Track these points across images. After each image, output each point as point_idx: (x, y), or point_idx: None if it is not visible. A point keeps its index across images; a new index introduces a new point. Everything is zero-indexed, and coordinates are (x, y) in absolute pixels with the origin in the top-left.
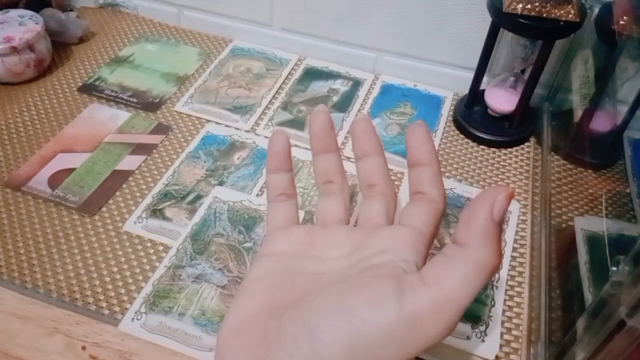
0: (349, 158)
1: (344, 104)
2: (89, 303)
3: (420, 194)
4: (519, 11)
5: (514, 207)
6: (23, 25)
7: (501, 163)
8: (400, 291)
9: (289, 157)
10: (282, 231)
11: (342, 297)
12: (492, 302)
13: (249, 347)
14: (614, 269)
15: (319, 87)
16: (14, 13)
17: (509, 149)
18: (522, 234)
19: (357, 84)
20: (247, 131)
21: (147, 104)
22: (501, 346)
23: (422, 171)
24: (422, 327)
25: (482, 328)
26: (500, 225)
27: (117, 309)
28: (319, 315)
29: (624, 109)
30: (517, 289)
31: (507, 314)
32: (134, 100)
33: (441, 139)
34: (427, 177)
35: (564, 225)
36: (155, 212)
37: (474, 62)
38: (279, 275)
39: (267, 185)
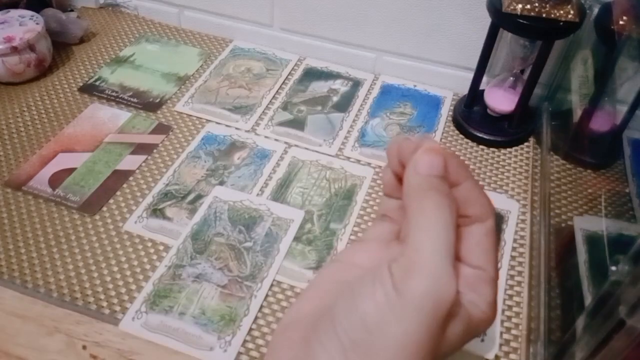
0: (349, 158)
1: (344, 104)
2: (90, 302)
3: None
4: (518, 11)
5: (514, 207)
6: (23, 25)
7: (500, 163)
8: (389, 268)
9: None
10: (362, 243)
11: (354, 284)
12: None
13: (290, 346)
14: (613, 268)
15: (319, 87)
16: (14, 13)
17: (508, 149)
18: (522, 233)
19: (357, 84)
20: (248, 131)
21: (148, 104)
22: (500, 345)
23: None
24: (408, 291)
25: None
26: (428, 175)
27: (117, 308)
28: (338, 304)
29: (623, 109)
30: (516, 288)
31: (507, 313)
32: (135, 100)
33: (441, 139)
34: (466, 194)
35: (563, 225)
36: (156, 211)
37: (474, 62)
38: (339, 285)
39: (380, 203)
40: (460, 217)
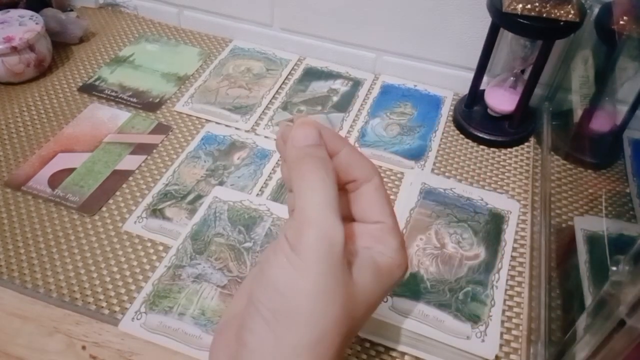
0: None
1: (344, 104)
2: (89, 303)
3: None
4: (518, 11)
5: (514, 207)
6: (23, 25)
7: (501, 163)
8: (283, 234)
9: None
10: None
11: (262, 262)
12: (492, 302)
13: (228, 345)
14: (614, 268)
15: (319, 87)
16: (14, 13)
17: (508, 149)
18: (522, 233)
19: (357, 84)
20: (247, 131)
21: (147, 104)
22: (501, 346)
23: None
24: (302, 246)
25: (482, 328)
26: (303, 146)
27: (117, 308)
28: (254, 284)
29: (623, 109)
30: (517, 288)
31: (507, 313)
32: (134, 100)
33: (441, 139)
34: (347, 159)
35: (563, 225)
36: (155, 211)
37: (474, 62)
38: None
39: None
40: (349, 183)
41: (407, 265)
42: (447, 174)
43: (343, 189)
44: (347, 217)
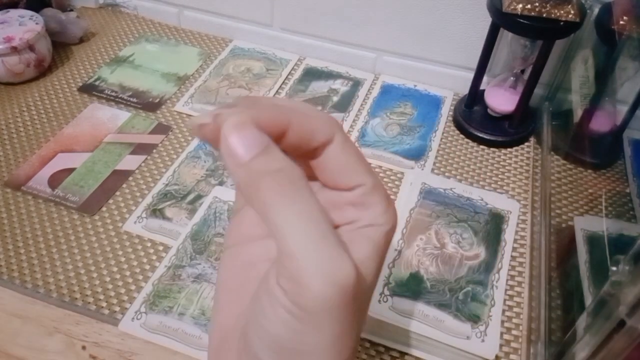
0: None
1: (344, 104)
2: (89, 303)
3: None
4: (518, 11)
5: (514, 207)
6: (23, 26)
7: (501, 163)
8: (275, 288)
9: None
10: (239, 215)
11: (254, 305)
12: (492, 302)
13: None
14: (614, 268)
15: (319, 87)
16: (14, 13)
17: (508, 149)
18: (522, 233)
19: (357, 84)
20: None
21: (147, 104)
22: (501, 346)
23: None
24: (307, 303)
25: (482, 328)
26: (249, 160)
27: (117, 308)
28: (249, 329)
29: (623, 109)
30: (517, 288)
31: (507, 313)
32: (134, 100)
33: (441, 138)
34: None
35: (563, 225)
36: (155, 212)
37: (474, 62)
38: (246, 284)
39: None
40: (310, 151)
41: (396, 220)
42: (447, 174)
43: (304, 157)
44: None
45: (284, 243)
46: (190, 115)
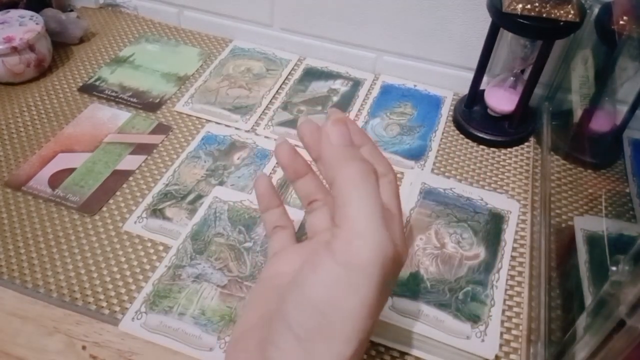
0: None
1: (344, 104)
2: (89, 303)
3: None
4: (518, 11)
5: (514, 207)
6: (23, 26)
7: (501, 163)
8: (328, 247)
9: (274, 195)
10: (276, 257)
11: (295, 278)
12: (492, 302)
13: (247, 355)
14: (614, 268)
15: (319, 87)
16: (14, 13)
17: (508, 149)
18: (522, 233)
19: (357, 84)
20: (247, 131)
21: (148, 104)
22: (501, 346)
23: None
24: (355, 261)
25: (482, 328)
26: (341, 144)
27: (117, 308)
28: (286, 301)
29: (623, 109)
30: (516, 288)
31: (507, 313)
32: (134, 100)
33: (441, 139)
34: (368, 156)
35: (563, 225)
36: (156, 211)
37: (474, 62)
38: (277, 289)
39: (263, 221)
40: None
41: (392, 169)
42: (447, 174)
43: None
44: None
45: (349, 208)
46: (190, 116)
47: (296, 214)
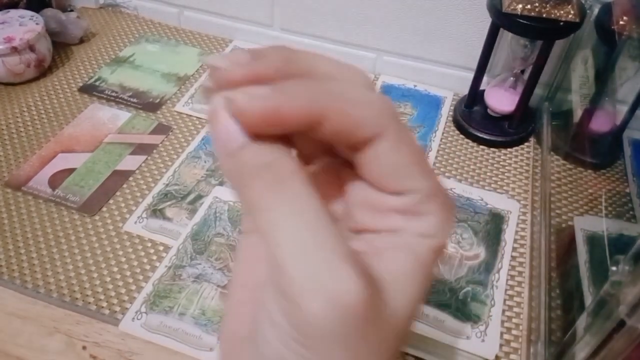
0: None
1: None
2: (90, 303)
3: None
4: (518, 11)
5: (514, 207)
6: (23, 26)
7: (501, 163)
8: (269, 316)
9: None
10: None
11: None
12: (492, 302)
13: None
14: (614, 268)
15: None
16: (14, 13)
17: (508, 149)
18: (522, 233)
19: None
20: None
21: (148, 104)
22: (501, 346)
23: None
24: (304, 330)
25: (482, 328)
26: (229, 153)
27: (117, 308)
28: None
29: (623, 109)
30: (517, 288)
31: (507, 313)
32: (135, 100)
33: (441, 139)
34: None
35: (563, 225)
36: (156, 212)
37: (474, 62)
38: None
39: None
40: (352, 144)
41: (448, 236)
42: (447, 174)
43: (344, 147)
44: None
45: (273, 252)
46: (190, 116)
47: None
